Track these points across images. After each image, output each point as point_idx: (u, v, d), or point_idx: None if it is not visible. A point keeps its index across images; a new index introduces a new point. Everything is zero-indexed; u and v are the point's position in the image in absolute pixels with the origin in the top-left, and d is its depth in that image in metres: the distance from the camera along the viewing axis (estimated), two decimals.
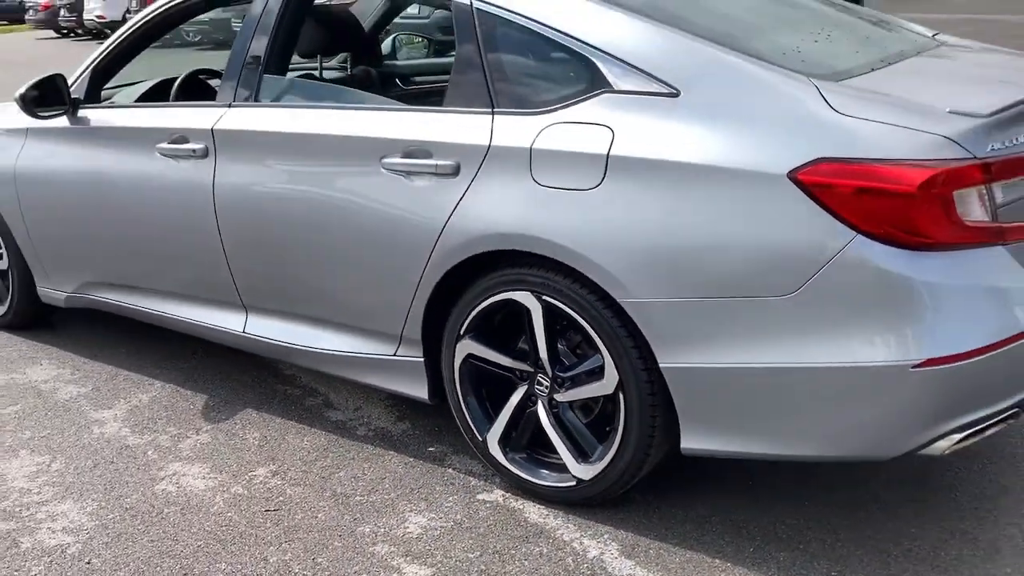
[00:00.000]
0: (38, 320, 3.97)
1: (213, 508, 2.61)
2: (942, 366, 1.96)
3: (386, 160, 2.55)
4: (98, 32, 24.10)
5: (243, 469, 2.81)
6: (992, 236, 2.02)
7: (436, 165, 2.47)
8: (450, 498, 2.60)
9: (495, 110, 2.43)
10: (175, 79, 3.71)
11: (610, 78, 2.28)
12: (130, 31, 3.41)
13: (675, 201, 2.13)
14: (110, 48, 3.44)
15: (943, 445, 2.07)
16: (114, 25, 20.54)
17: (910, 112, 2.04)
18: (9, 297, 3.93)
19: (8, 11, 41.73)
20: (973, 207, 1.99)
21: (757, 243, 2.05)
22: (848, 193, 1.97)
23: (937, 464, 2.62)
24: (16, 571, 2.38)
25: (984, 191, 1.99)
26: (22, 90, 3.29)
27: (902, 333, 1.97)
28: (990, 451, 2.68)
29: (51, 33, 27.64)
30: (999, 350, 1.99)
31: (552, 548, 2.36)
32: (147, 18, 3.36)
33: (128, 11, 21.53)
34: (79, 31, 26.10)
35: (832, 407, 2.09)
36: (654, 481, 2.54)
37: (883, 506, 2.47)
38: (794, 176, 2.00)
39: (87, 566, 2.38)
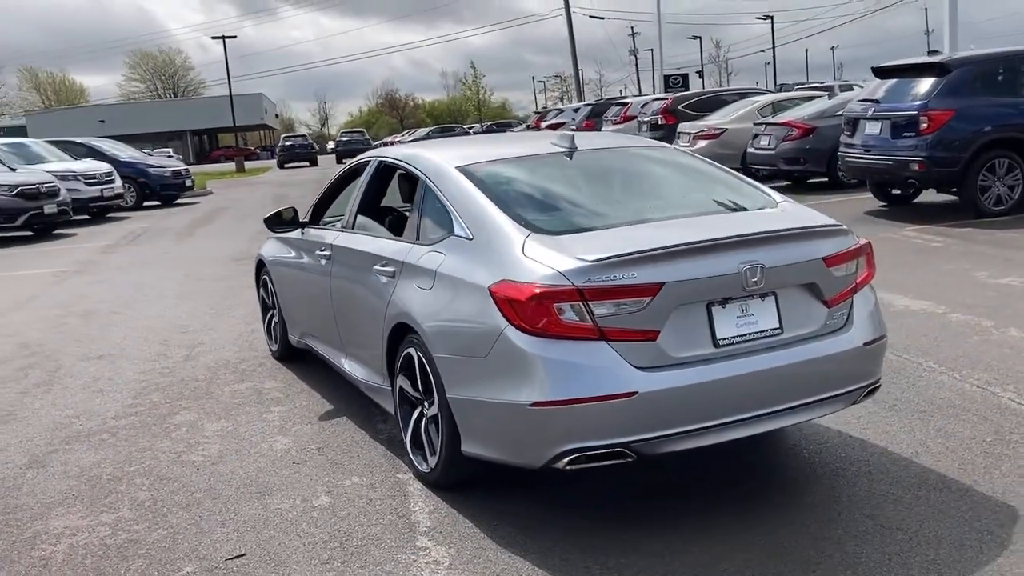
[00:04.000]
0: (292, 355, 6.34)
1: (279, 453, 4.61)
2: (544, 408, 3.27)
3: (374, 266, 4.40)
4: None
5: (308, 443, 4.76)
6: (591, 333, 3.28)
7: (388, 271, 4.25)
8: (383, 472, 4.29)
9: (416, 241, 4.17)
10: None
11: (455, 227, 3.91)
12: (330, 185, 5.67)
13: (451, 297, 3.70)
14: (322, 193, 5.73)
15: (563, 463, 3.33)
16: None
17: (560, 256, 3.38)
18: (279, 338, 6.37)
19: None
20: (576, 314, 3.28)
21: (475, 324, 3.53)
22: (506, 299, 3.39)
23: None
24: (182, 456, 4.58)
25: (582, 305, 3.27)
26: (267, 216, 5.70)
27: (526, 384, 3.32)
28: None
29: None
30: (587, 404, 3.24)
31: (401, 501, 3.94)
32: (334, 179, 5.61)
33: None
34: None
35: (507, 428, 3.46)
36: (512, 490, 3.97)
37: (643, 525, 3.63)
38: (490, 289, 3.47)
39: (218, 457, 4.52)
